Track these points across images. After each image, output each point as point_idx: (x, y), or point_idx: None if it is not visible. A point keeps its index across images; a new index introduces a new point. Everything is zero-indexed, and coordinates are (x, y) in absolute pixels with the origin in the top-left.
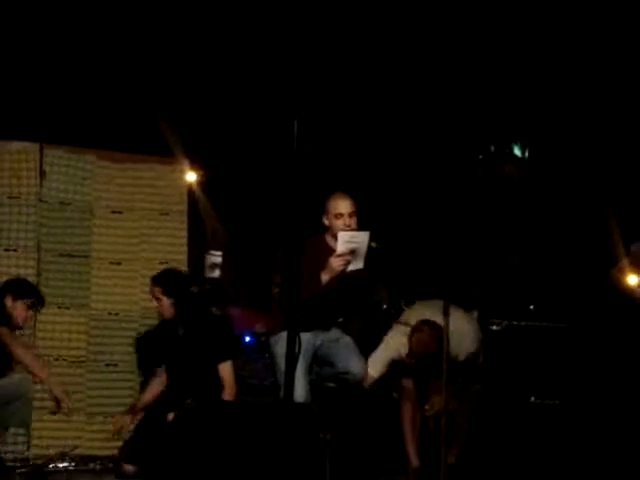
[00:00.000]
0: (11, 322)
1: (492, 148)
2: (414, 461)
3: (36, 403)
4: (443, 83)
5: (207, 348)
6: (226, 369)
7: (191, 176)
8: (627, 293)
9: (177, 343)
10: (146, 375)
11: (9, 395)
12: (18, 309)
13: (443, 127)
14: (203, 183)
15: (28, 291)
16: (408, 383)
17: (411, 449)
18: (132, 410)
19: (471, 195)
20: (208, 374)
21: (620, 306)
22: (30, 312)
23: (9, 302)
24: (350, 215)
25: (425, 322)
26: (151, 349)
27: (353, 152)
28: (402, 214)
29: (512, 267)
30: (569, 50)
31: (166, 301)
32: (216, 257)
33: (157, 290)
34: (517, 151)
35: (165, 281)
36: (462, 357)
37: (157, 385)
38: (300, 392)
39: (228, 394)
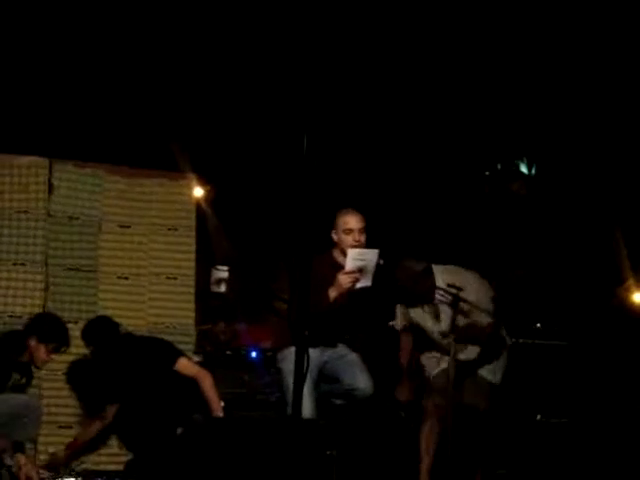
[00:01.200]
0: (30, 360)
1: (499, 165)
2: None
3: (45, 417)
4: (451, 100)
5: (153, 367)
6: (182, 365)
7: (198, 191)
8: (634, 311)
9: (128, 384)
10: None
11: (19, 410)
12: (41, 352)
13: (450, 144)
14: (210, 198)
15: (54, 336)
16: (427, 404)
17: (424, 468)
18: (71, 446)
19: (478, 212)
20: (173, 383)
21: (626, 325)
22: (52, 356)
23: (33, 342)
24: (360, 231)
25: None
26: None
27: (362, 168)
28: (410, 230)
29: (518, 281)
30: (576, 67)
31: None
32: (222, 272)
33: (85, 342)
34: (524, 168)
35: (85, 333)
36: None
37: (99, 424)
38: (307, 409)
39: (203, 380)
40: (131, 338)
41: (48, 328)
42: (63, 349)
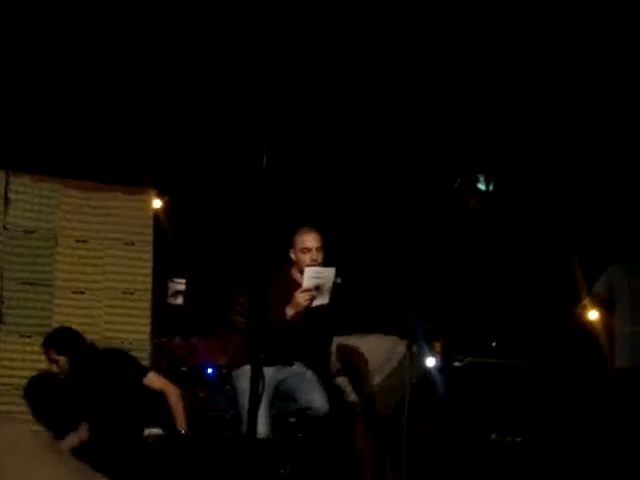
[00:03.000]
0: None
1: (457, 181)
2: None
3: None
4: (409, 117)
5: (123, 379)
6: (152, 379)
7: (157, 203)
8: (589, 330)
9: (100, 397)
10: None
11: None
12: None
13: (408, 161)
14: (167, 210)
15: None
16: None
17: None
18: None
19: (435, 228)
20: (137, 396)
21: (582, 343)
22: None
23: None
24: (317, 250)
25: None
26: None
27: (320, 184)
28: (367, 248)
29: (471, 296)
30: (532, 84)
31: (63, 360)
32: (179, 284)
33: (51, 352)
34: (481, 185)
35: (57, 341)
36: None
37: (74, 440)
38: (262, 427)
39: (171, 395)
40: (96, 349)
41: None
42: None
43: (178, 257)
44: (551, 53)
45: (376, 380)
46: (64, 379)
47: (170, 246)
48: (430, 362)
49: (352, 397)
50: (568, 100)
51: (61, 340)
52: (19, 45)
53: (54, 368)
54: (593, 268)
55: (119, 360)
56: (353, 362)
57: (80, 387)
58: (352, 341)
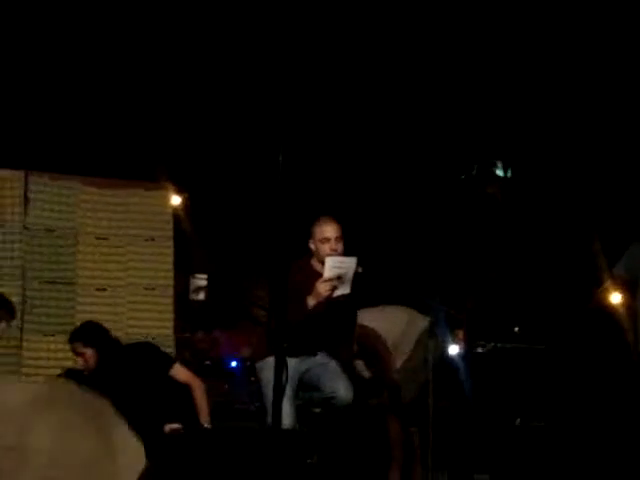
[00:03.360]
0: None
1: (475, 169)
2: None
3: None
4: (426, 105)
5: (150, 371)
6: (178, 370)
7: (175, 199)
8: (611, 313)
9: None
10: None
11: None
12: None
13: (425, 149)
14: (187, 206)
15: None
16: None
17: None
18: None
19: (454, 216)
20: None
21: (605, 327)
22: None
23: None
24: (336, 239)
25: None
26: None
27: (338, 175)
28: (386, 236)
29: (492, 283)
30: (550, 70)
31: (89, 352)
32: (201, 280)
33: (78, 345)
34: (499, 171)
35: (84, 334)
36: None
37: None
38: (287, 418)
39: (196, 388)
40: (121, 344)
41: None
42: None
43: (199, 253)
44: (572, 34)
45: (397, 364)
46: (89, 375)
47: (190, 242)
48: (453, 350)
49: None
50: (583, 82)
51: (88, 332)
52: (35, 44)
53: (80, 363)
54: (614, 250)
55: (145, 352)
56: (370, 345)
57: (105, 382)
58: (368, 318)
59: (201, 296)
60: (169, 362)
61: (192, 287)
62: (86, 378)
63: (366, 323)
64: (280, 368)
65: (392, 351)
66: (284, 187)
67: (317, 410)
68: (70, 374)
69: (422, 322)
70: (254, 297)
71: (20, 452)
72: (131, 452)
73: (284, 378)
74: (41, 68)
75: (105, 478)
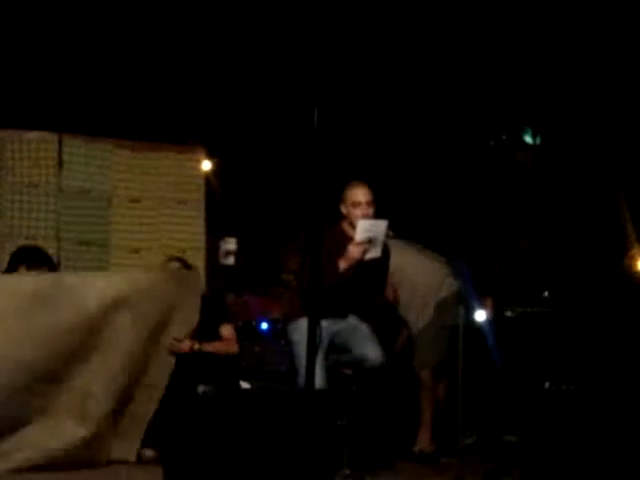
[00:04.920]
0: None
1: (504, 136)
2: (428, 447)
3: None
4: (455, 71)
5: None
6: (227, 327)
7: (206, 164)
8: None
9: None
10: None
11: None
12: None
13: (455, 115)
14: (218, 170)
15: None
16: (425, 375)
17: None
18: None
19: (484, 183)
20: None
21: (633, 292)
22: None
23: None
24: (368, 204)
25: None
26: None
27: (370, 139)
28: (416, 202)
29: (521, 251)
30: (579, 35)
31: None
32: (231, 244)
33: None
34: (528, 138)
35: None
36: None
37: None
38: (318, 379)
39: (228, 352)
40: None
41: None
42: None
43: (229, 217)
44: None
45: (421, 322)
46: None
47: (221, 206)
48: (480, 316)
49: None
50: (611, 46)
51: None
52: (68, 6)
53: None
54: None
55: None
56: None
57: None
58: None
59: (230, 260)
60: (225, 317)
61: (222, 251)
62: None
63: (406, 268)
64: (313, 329)
65: (420, 306)
66: (318, 149)
67: (348, 372)
68: None
69: (454, 284)
70: (282, 261)
71: None
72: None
73: (318, 339)
74: (75, 31)
75: None
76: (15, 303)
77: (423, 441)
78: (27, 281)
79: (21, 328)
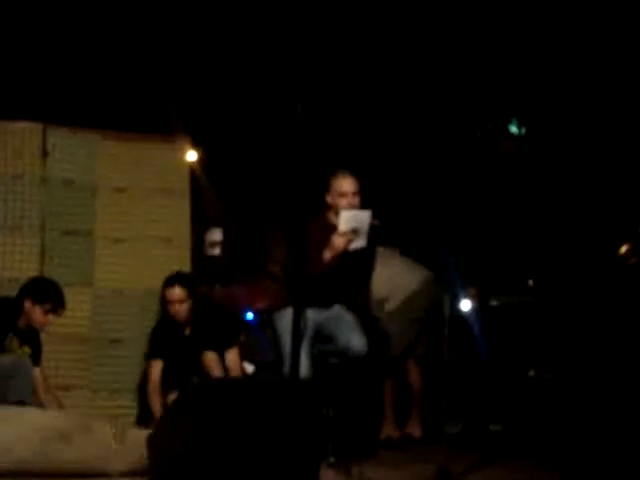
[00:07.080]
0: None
1: (489, 125)
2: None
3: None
4: (441, 62)
5: (214, 343)
6: (232, 355)
7: (192, 155)
8: (628, 268)
9: (182, 342)
10: None
11: (4, 371)
12: (37, 314)
13: (440, 105)
14: (203, 160)
15: (49, 296)
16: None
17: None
18: None
19: (469, 172)
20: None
21: (617, 277)
22: (50, 316)
23: (28, 304)
24: (354, 194)
25: None
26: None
27: (354, 128)
28: (402, 191)
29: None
30: (564, 26)
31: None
32: (216, 234)
33: (182, 293)
34: (514, 129)
35: (189, 284)
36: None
37: None
38: (303, 368)
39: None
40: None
41: (43, 289)
42: (59, 310)
43: (214, 208)
44: None
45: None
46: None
47: (206, 197)
48: (465, 305)
49: None
50: (599, 37)
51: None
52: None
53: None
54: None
55: (221, 321)
56: None
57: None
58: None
59: (216, 251)
60: (232, 342)
61: (207, 241)
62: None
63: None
64: (298, 318)
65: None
66: (302, 138)
67: (333, 361)
68: None
69: (423, 272)
70: (267, 252)
71: None
72: None
73: (302, 327)
74: (59, 20)
75: None
76: None
77: (388, 428)
78: None
79: None
